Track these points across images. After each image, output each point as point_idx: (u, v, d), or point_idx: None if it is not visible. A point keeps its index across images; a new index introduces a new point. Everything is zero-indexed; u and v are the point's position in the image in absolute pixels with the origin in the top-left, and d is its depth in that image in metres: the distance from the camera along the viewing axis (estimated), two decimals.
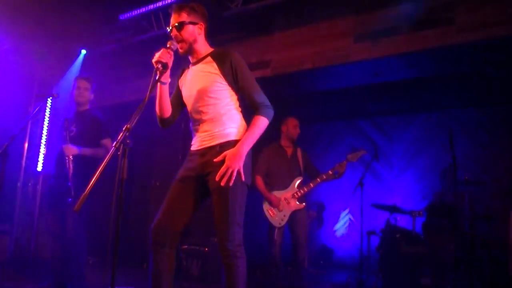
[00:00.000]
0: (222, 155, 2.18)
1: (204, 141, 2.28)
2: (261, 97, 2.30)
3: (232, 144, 2.23)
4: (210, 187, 2.22)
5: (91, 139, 3.65)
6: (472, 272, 4.14)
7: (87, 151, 3.60)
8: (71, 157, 3.50)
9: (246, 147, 2.21)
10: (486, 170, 6.01)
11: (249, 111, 2.34)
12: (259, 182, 4.06)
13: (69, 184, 3.44)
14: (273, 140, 4.27)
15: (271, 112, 2.30)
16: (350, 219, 6.94)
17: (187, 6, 2.32)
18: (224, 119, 2.27)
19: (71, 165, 3.48)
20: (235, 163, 2.15)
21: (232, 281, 2.13)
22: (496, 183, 5.82)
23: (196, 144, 2.34)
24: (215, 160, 2.19)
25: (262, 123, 2.26)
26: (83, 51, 6.07)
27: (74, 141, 3.56)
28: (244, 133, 2.28)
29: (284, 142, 4.22)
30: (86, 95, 3.78)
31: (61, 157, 3.60)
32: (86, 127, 3.68)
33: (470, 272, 4.13)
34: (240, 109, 2.35)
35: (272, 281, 4.00)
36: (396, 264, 4.25)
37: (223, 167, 2.14)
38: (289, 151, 4.20)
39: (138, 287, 4.21)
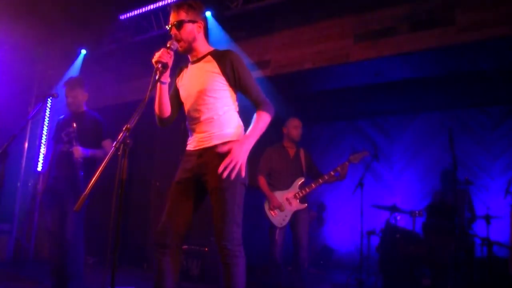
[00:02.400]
0: (227, 146, 2.15)
1: (201, 141, 2.27)
2: (262, 95, 2.30)
3: (230, 145, 2.22)
4: (208, 187, 2.21)
5: (91, 140, 3.58)
6: (472, 272, 4.14)
7: (95, 153, 3.53)
8: (80, 159, 3.43)
9: (251, 140, 2.20)
10: (486, 170, 6.02)
11: (246, 112, 2.34)
12: (262, 182, 4.05)
13: (81, 187, 3.37)
14: (276, 141, 4.28)
15: (272, 109, 2.30)
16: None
17: (186, 4, 2.31)
18: (222, 120, 2.26)
19: (80, 167, 3.42)
20: (240, 155, 2.12)
21: (231, 281, 2.12)
22: (496, 183, 5.83)
23: (193, 144, 2.32)
24: (219, 150, 2.16)
25: (265, 118, 2.25)
26: (83, 51, 6.07)
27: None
28: (241, 134, 2.28)
29: (286, 143, 4.22)
30: (75, 102, 3.67)
31: (62, 158, 3.54)
32: (85, 128, 3.61)
33: (470, 272, 4.13)
34: (237, 109, 2.34)
35: (272, 281, 3.99)
36: (396, 264, 4.25)
37: (226, 158, 2.10)
38: (292, 151, 4.20)
39: (138, 287, 4.22)
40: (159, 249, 2.21)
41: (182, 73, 2.43)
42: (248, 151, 2.18)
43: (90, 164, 3.50)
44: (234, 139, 2.24)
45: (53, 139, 3.80)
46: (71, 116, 3.71)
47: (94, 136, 3.61)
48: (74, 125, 3.55)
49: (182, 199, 2.27)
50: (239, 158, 2.11)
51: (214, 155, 2.20)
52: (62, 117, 3.80)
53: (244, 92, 2.30)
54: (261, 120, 2.24)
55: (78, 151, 3.44)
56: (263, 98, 2.29)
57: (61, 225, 3.51)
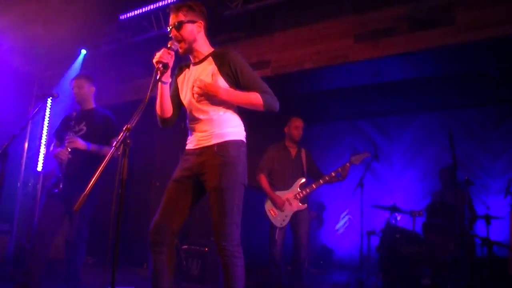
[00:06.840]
0: (206, 84, 2.20)
1: (201, 140, 2.28)
2: (265, 88, 2.28)
3: (230, 144, 2.22)
4: (207, 187, 2.22)
5: (102, 138, 3.51)
6: (472, 272, 4.14)
7: (96, 148, 3.42)
8: (69, 149, 3.33)
9: (225, 95, 2.21)
10: (486, 170, 6.02)
11: (247, 111, 2.34)
12: (264, 181, 4.04)
13: (59, 175, 3.35)
14: (277, 141, 4.28)
15: (271, 101, 2.27)
16: (349, 218, 6.94)
17: (185, 5, 2.32)
18: (223, 119, 2.26)
19: (68, 156, 3.33)
20: (215, 88, 2.19)
21: (230, 281, 2.13)
22: (496, 183, 5.84)
23: (192, 143, 2.33)
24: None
25: (255, 97, 2.24)
26: (83, 51, 6.06)
27: (84, 140, 3.41)
28: (242, 134, 2.30)
29: (288, 143, 4.22)
30: (81, 93, 3.62)
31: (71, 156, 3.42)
32: (98, 125, 3.54)
33: (470, 272, 4.12)
34: (237, 109, 2.35)
35: (272, 281, 4.00)
36: (396, 264, 4.25)
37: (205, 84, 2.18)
38: (293, 151, 4.20)
39: (138, 287, 4.21)
40: (154, 248, 2.22)
41: (183, 73, 2.44)
42: (218, 94, 2.20)
43: (97, 161, 3.36)
44: (235, 138, 2.25)
45: (55, 135, 3.69)
46: (80, 113, 3.61)
47: (104, 134, 3.53)
48: (81, 123, 3.51)
49: (180, 197, 2.27)
50: (213, 87, 2.18)
51: (214, 154, 2.21)
52: (71, 113, 3.63)
53: (247, 88, 2.27)
54: (252, 95, 2.24)
55: (75, 141, 3.34)
56: (266, 89, 2.28)
57: (60, 225, 3.48)
